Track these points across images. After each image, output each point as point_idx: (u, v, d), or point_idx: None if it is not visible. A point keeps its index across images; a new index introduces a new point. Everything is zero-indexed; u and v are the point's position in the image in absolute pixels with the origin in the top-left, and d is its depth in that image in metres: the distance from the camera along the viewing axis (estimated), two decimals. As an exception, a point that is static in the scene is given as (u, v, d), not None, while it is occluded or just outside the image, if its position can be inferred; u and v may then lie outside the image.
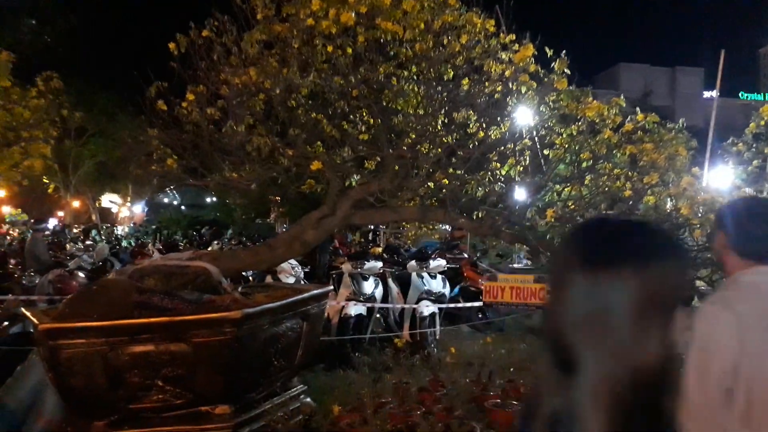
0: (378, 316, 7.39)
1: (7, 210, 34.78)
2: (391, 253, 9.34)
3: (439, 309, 7.07)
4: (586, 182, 4.58)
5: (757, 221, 1.80)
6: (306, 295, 4.09)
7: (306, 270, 8.57)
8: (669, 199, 4.56)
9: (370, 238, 19.73)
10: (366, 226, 17.25)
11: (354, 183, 4.77)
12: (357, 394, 4.83)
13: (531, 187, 4.87)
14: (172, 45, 4.09)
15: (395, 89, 4.66)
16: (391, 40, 4.18)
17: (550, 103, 4.57)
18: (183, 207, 42.87)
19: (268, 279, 7.03)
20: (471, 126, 4.88)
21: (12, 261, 11.49)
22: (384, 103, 4.70)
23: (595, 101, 4.13)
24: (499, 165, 4.93)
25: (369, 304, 6.74)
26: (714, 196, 4.35)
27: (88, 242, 16.56)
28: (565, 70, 4.18)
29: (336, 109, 4.81)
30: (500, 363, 5.70)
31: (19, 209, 32.86)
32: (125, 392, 3.41)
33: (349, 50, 4.33)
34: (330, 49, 3.99)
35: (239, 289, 4.49)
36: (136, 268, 3.97)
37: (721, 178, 6.43)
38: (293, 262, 7.32)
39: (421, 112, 4.74)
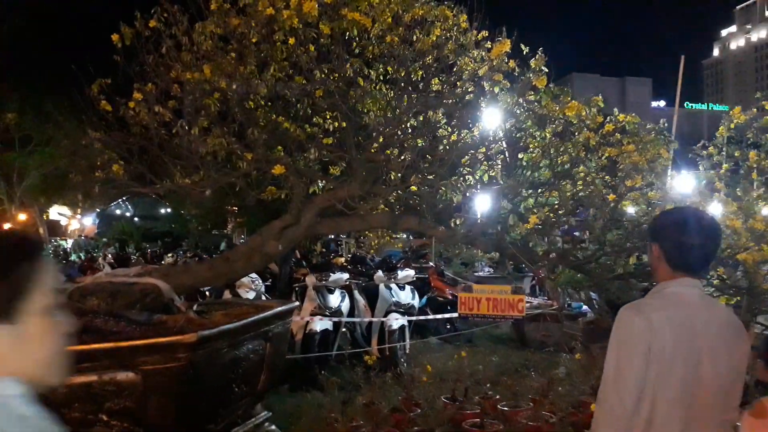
0: (344, 330, 7.04)
1: (-53, 225, 33.00)
2: (357, 264, 9.00)
3: (409, 321, 6.77)
4: (564, 186, 4.37)
5: (689, 233, 1.80)
6: (269, 312, 3.73)
7: (267, 284, 8.15)
8: (647, 205, 4.40)
9: (331, 248, 19.32)
10: (330, 235, 16.85)
11: (319, 189, 4.44)
12: (326, 418, 4.48)
13: (508, 192, 4.64)
14: (115, 36, 3.69)
15: (361, 89, 4.36)
16: (358, 34, 3.88)
17: (524, 104, 4.35)
18: (136, 219, 41.48)
19: (227, 295, 6.60)
20: (441, 129, 4.63)
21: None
22: (350, 104, 4.39)
23: (574, 101, 3.92)
24: (470, 170, 4.69)
25: (335, 319, 6.39)
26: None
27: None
28: (543, 68, 3.96)
29: (298, 111, 4.48)
30: (475, 377, 5.44)
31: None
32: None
33: (312, 47, 4.01)
34: (292, 42, 3.65)
35: (194, 307, 4.08)
36: (77, 286, 3.53)
37: (686, 183, 6.39)
38: (253, 275, 6.91)
39: (390, 114, 4.45)
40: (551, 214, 4.15)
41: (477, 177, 4.70)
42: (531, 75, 3.98)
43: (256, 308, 4.17)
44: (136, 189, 3.81)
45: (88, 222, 39.83)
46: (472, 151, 4.81)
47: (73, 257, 19.57)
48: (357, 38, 4.00)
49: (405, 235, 19.46)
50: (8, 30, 17.51)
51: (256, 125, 4.18)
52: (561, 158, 4.30)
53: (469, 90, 4.38)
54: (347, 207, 3.71)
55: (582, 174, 4.34)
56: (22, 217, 36.54)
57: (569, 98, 3.97)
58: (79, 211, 39.84)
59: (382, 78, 4.61)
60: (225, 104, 4.30)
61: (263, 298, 7.08)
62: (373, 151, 4.16)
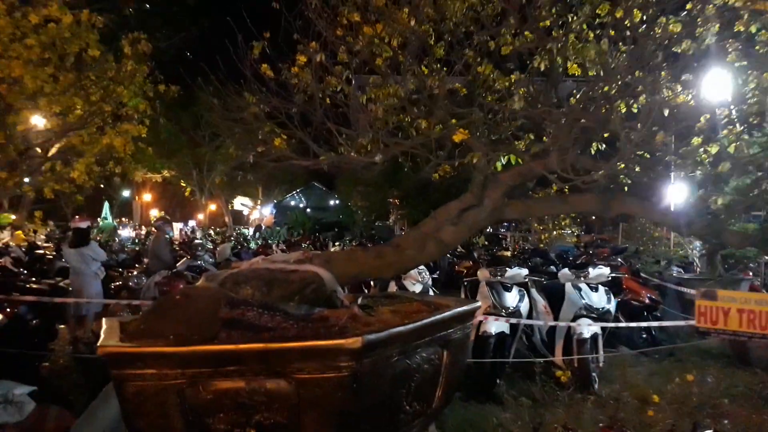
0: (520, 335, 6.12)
1: (154, 213, 37.59)
2: (537, 258, 7.97)
3: (602, 329, 5.65)
4: None
5: None
6: (447, 313, 2.99)
7: (434, 276, 7.47)
8: None
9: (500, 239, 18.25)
10: (518, 221, 15.70)
11: (510, 160, 3.61)
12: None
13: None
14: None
15: (561, 41, 3.43)
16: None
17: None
18: (308, 210, 43.90)
19: (392, 287, 6.03)
20: (666, 88, 3.53)
21: (146, 261, 11.63)
22: (548, 58, 3.49)
23: None
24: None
25: (513, 320, 5.50)
26: None
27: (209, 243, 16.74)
28: None
29: (478, 75, 3.69)
30: (694, 404, 4.25)
31: (163, 212, 35.27)
32: (208, 442, 2.51)
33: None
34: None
35: (359, 301, 3.47)
36: (231, 272, 3.09)
37: None
38: (421, 266, 6.27)
39: (601, 67, 3.46)
40: None
41: (718, 148, 3.54)
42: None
43: (429, 306, 3.46)
44: (298, 161, 3.30)
45: (267, 212, 42.97)
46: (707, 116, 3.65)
47: (252, 244, 20.78)
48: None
49: (571, 230, 17.73)
50: (195, 33, 18.89)
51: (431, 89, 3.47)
52: None
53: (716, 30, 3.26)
54: (562, 179, 2.84)
55: None
56: (212, 207, 40.52)
57: None
58: (258, 202, 43.18)
59: (586, 26, 3.65)
60: (396, 68, 3.66)
61: (431, 292, 6.41)
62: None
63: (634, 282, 7.56)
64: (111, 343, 2.55)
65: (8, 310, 5.35)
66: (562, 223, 15.42)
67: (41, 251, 10.74)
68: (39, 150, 11.22)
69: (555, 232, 15.52)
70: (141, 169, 30.27)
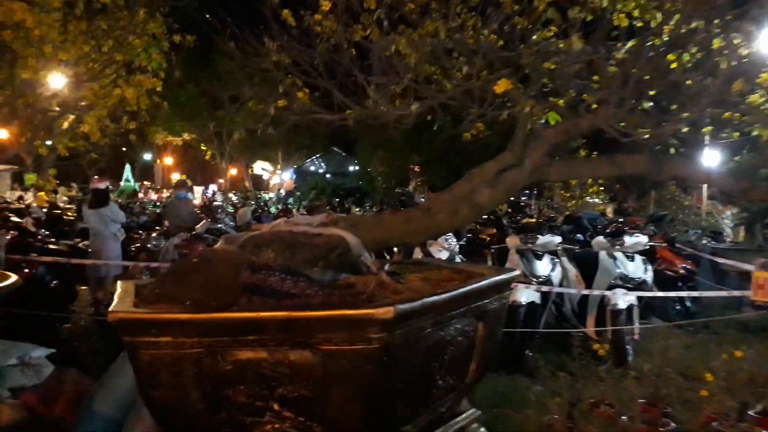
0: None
1: (175, 176, 37.79)
2: (572, 225, 7.67)
3: (638, 299, 5.40)
4: None
5: None
6: (483, 283, 2.76)
7: (461, 243, 7.24)
8: None
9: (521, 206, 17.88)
10: (541, 187, 15.21)
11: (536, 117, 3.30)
12: (543, 417, 3.48)
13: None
14: None
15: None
16: None
17: None
18: (328, 175, 43.74)
19: (417, 253, 5.82)
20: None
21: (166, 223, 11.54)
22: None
23: None
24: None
25: (545, 288, 5.26)
26: None
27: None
28: None
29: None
30: (742, 382, 4.00)
31: (185, 176, 35.42)
32: (227, 416, 2.34)
33: None
34: None
35: (386, 267, 3.25)
36: (251, 234, 2.89)
37: None
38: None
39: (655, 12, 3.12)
40: None
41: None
42: None
43: (461, 274, 3.23)
44: (322, 115, 3.04)
45: (287, 177, 42.91)
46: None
47: (272, 209, 20.72)
48: None
49: (600, 198, 17.27)
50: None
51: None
52: None
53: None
54: (622, 134, 2.55)
55: None
56: (232, 171, 40.55)
57: None
58: (279, 166, 43.09)
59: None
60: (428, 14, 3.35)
61: (457, 259, 6.18)
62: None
63: (668, 251, 7.25)
64: (123, 309, 2.37)
65: (26, 271, 5.25)
66: (590, 191, 15.01)
67: (58, 212, 10.66)
68: (52, 105, 10.70)
69: (582, 200, 15.11)
70: (160, 131, 30.25)
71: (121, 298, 2.63)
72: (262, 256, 2.72)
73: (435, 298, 2.43)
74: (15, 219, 9.68)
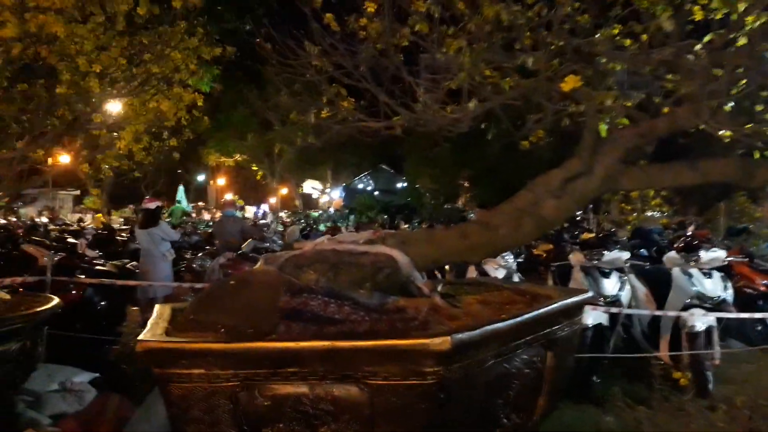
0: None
1: (228, 197, 38.56)
2: (640, 239, 7.16)
3: (718, 321, 4.89)
4: None
5: None
6: (554, 306, 2.43)
7: (519, 260, 6.84)
8: None
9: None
10: (598, 200, 14.44)
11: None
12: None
13: None
14: None
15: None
16: None
17: None
18: (376, 192, 43.74)
19: (471, 272, 5.48)
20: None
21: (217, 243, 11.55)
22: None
23: None
24: None
25: (614, 310, 4.83)
26: None
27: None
28: None
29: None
30: None
31: (237, 196, 36.10)
32: (265, 458, 2.09)
33: None
34: None
35: (438, 288, 2.96)
36: (292, 253, 2.66)
37: None
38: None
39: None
40: None
41: None
42: None
43: (524, 296, 2.91)
44: (368, 123, 2.80)
45: (336, 195, 43.15)
46: None
47: (322, 227, 20.71)
48: None
49: (662, 211, 16.38)
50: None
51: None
52: None
53: None
54: (665, 149, 2.21)
55: None
56: (283, 191, 41.08)
57: None
58: (328, 185, 43.42)
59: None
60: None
61: (515, 278, 5.81)
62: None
63: (747, 267, 6.64)
64: (151, 337, 2.17)
65: (74, 292, 5.21)
66: (651, 203, 14.23)
67: (106, 232, 10.74)
68: (95, 121, 10.42)
69: (644, 213, 14.36)
70: (213, 152, 30.89)
71: (153, 324, 2.44)
72: (303, 278, 2.49)
73: (498, 325, 2.12)
74: (71, 240, 9.89)
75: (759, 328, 6.50)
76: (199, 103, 10.83)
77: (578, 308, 2.65)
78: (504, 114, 3.02)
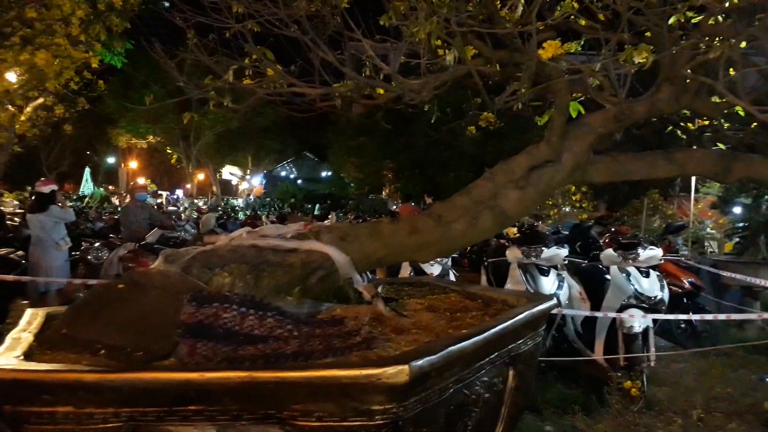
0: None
1: (141, 181, 36.47)
2: (579, 236, 7.02)
3: (653, 321, 4.76)
4: None
5: None
6: (521, 317, 2.05)
7: (454, 255, 6.52)
8: None
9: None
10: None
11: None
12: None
13: None
14: None
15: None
16: None
17: None
18: (299, 181, 42.78)
19: (405, 269, 5.08)
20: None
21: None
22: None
23: None
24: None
25: (554, 310, 4.58)
26: None
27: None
28: None
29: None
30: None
31: (149, 180, 34.08)
32: None
33: None
34: None
35: (379, 290, 2.52)
36: (201, 249, 2.12)
37: None
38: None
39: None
40: None
41: None
42: None
43: (476, 301, 2.52)
44: (303, 90, 2.30)
45: (256, 182, 41.77)
46: None
47: (241, 215, 19.78)
48: None
49: (584, 206, 16.73)
50: None
51: None
52: None
53: None
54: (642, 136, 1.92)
55: None
56: (200, 176, 39.24)
57: None
58: (248, 171, 41.94)
59: None
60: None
61: (451, 274, 5.47)
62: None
63: (672, 264, 6.65)
64: (1, 363, 1.59)
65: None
66: (573, 198, 14.46)
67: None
68: None
69: (565, 208, 14.57)
70: (123, 133, 28.90)
71: (13, 340, 1.84)
72: (214, 282, 1.97)
73: (463, 344, 1.71)
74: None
75: (682, 326, 6.54)
76: (94, 65, 9.45)
77: (543, 318, 2.29)
78: (480, 86, 2.57)
